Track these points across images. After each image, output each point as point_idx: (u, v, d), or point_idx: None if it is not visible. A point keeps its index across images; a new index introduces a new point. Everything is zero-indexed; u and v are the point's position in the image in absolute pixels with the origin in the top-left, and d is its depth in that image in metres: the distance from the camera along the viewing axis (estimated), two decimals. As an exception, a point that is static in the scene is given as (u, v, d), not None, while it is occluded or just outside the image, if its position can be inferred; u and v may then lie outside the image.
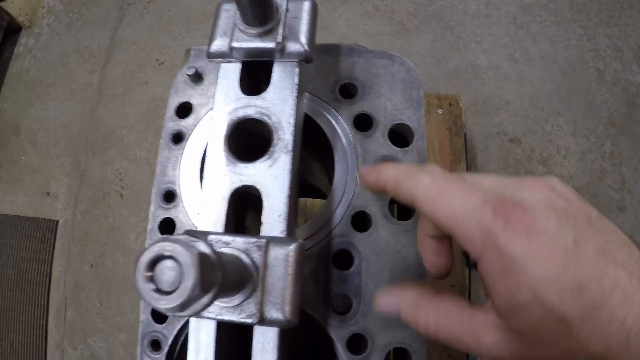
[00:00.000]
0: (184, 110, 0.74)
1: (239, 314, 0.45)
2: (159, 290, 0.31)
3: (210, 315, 0.46)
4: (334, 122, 0.69)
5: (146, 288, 0.30)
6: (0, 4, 2.93)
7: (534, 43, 2.70)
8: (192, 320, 0.51)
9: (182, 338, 0.67)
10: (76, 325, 2.51)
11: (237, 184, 0.53)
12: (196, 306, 0.32)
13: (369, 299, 0.60)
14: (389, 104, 0.71)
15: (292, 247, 0.46)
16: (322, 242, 0.62)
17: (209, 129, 0.56)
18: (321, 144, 0.72)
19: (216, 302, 0.45)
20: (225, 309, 0.45)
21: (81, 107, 2.86)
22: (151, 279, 0.31)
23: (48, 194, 2.75)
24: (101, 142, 2.75)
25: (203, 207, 0.53)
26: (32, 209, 2.74)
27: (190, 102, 0.74)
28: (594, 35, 2.72)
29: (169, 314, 0.39)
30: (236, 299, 0.45)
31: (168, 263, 0.31)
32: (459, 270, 1.53)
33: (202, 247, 0.32)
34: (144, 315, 0.68)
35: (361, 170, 0.58)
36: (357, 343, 0.60)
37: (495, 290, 0.40)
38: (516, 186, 0.42)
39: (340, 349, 0.58)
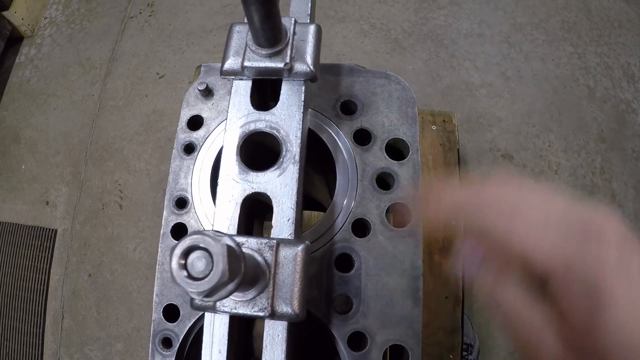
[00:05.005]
0: (195, 123, 0.79)
1: (252, 308, 0.50)
2: (190, 277, 0.36)
3: (226, 309, 0.50)
4: (335, 137, 0.75)
5: (180, 274, 0.35)
6: (3, 13, 2.97)
7: (525, 61, 2.77)
8: (207, 315, 0.55)
9: (192, 336, 0.72)
10: (73, 334, 2.52)
11: (249, 190, 0.58)
12: (222, 292, 0.37)
13: (369, 300, 0.65)
14: (386, 120, 0.77)
15: (300, 247, 0.51)
16: (324, 246, 0.67)
17: (223, 140, 0.61)
18: (323, 158, 0.77)
19: (231, 297, 0.50)
20: (240, 303, 0.50)
21: (82, 118, 2.90)
22: (184, 267, 0.36)
23: (47, 203, 2.78)
24: (101, 153, 2.79)
25: (217, 211, 0.57)
26: (31, 218, 2.76)
27: (201, 115, 0.79)
28: (584, 54, 2.80)
29: (197, 298, 0.44)
30: (250, 294, 0.49)
31: (198, 254, 0.36)
32: (452, 281, 1.57)
33: (228, 241, 0.37)
34: (156, 314, 0.73)
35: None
36: (357, 340, 0.65)
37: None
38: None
39: (342, 346, 0.63)
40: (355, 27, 2.90)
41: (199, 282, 0.35)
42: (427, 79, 2.73)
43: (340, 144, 0.74)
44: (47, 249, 2.68)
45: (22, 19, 3.15)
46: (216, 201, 0.58)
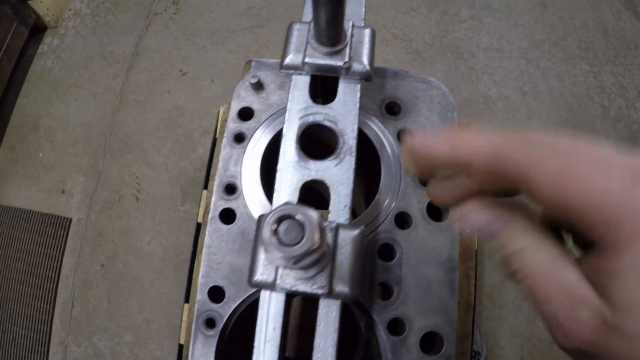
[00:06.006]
0: (246, 114, 0.83)
1: (311, 286, 0.53)
2: (280, 243, 0.39)
3: (286, 286, 0.54)
4: (381, 135, 0.79)
5: (272, 240, 0.39)
6: (28, 2, 3.01)
7: (542, 78, 2.81)
8: (263, 293, 0.59)
9: (235, 317, 0.75)
10: (82, 323, 2.55)
11: (307, 177, 0.61)
12: (307, 260, 0.41)
13: (408, 288, 0.69)
14: (427, 122, 0.81)
15: (357, 231, 0.55)
16: (369, 236, 0.71)
17: (283, 130, 0.65)
18: (368, 158, 0.81)
19: (293, 275, 0.54)
20: (300, 281, 0.54)
21: (102, 110, 2.94)
22: (275, 233, 0.39)
23: (63, 192, 2.81)
24: (120, 145, 2.83)
25: (276, 196, 0.61)
26: (46, 205, 2.79)
27: (252, 107, 0.83)
28: (600, 73, 2.84)
29: (282, 264, 0.48)
30: (311, 272, 0.53)
31: (287, 223, 0.40)
32: (465, 289, 1.60)
33: (316, 214, 0.41)
34: (201, 295, 0.76)
35: (417, 141, 0.42)
36: (395, 326, 0.68)
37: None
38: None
39: (382, 331, 0.67)
40: (377, 36, 2.91)
41: (291, 248, 0.38)
42: (446, 90, 2.76)
43: (385, 141, 0.78)
44: (61, 237, 2.71)
45: (47, 9, 3.19)
46: (275, 186, 0.62)
